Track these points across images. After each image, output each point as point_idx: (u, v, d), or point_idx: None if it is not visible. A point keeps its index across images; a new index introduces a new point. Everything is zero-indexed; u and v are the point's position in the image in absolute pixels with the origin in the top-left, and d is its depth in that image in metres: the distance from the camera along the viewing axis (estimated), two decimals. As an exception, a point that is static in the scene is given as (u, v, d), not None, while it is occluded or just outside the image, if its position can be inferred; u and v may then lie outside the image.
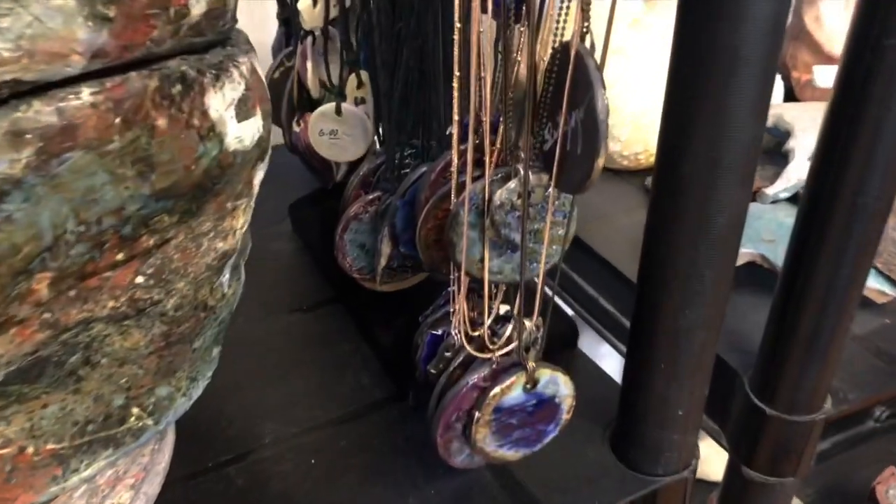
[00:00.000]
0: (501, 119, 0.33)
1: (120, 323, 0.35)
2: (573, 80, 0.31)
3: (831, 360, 0.47)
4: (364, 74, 0.50)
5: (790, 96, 0.82)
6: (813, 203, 0.47)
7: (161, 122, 0.31)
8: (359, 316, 0.61)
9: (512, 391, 0.41)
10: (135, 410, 0.38)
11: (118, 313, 0.34)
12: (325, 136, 0.51)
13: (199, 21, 0.32)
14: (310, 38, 0.51)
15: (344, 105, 0.50)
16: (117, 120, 0.29)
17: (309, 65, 0.51)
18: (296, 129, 0.55)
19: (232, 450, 0.50)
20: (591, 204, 0.69)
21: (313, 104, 0.53)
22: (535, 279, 0.41)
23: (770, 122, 0.66)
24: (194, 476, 0.49)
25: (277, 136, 0.60)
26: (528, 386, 0.41)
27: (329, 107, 0.50)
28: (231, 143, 0.34)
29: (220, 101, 0.33)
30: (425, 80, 0.40)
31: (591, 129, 0.31)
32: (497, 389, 0.41)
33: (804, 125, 0.61)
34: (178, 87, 0.31)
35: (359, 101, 0.51)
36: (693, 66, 0.34)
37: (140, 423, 0.39)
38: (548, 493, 0.47)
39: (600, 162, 0.32)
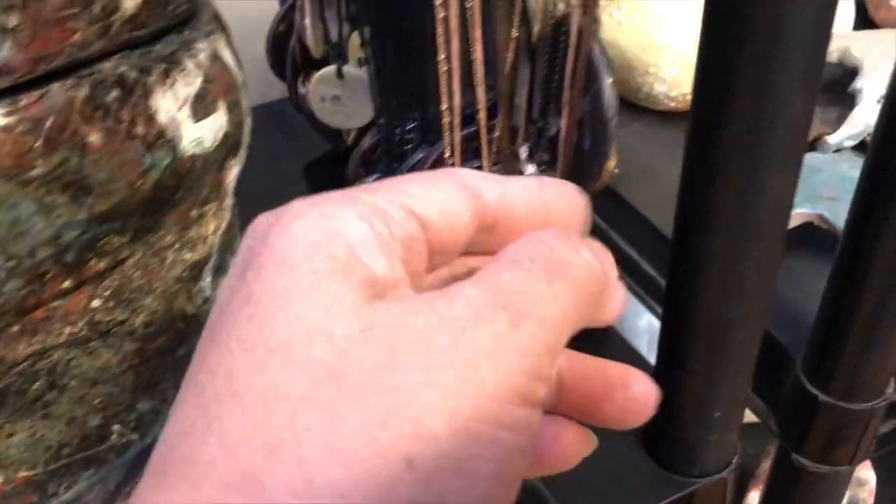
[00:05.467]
0: (481, 107, 0.28)
1: (84, 345, 0.32)
2: (574, 65, 0.26)
3: (897, 339, 0.41)
4: (368, 31, 0.44)
5: (863, 18, 0.73)
6: (881, 154, 0.38)
7: (94, 138, 0.26)
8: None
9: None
10: (115, 428, 0.36)
11: (78, 338, 0.31)
12: (328, 103, 0.46)
13: (136, 13, 0.28)
14: (306, -7, 0.46)
15: (346, 67, 0.45)
16: (38, 142, 0.25)
17: (308, 21, 0.46)
18: (301, 89, 0.50)
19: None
20: (633, 152, 0.63)
21: (317, 63, 0.48)
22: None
23: (834, 56, 0.59)
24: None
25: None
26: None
27: (329, 70, 0.45)
28: (187, 147, 0.30)
29: (171, 101, 0.29)
30: (417, 52, 0.35)
31: (599, 126, 0.26)
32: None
33: (875, 61, 0.54)
34: (115, 93, 0.27)
35: (364, 62, 0.46)
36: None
37: (123, 440, 0.36)
38: (575, 494, 0.43)
39: (611, 164, 0.27)
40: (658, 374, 0.42)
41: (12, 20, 0.23)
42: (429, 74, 0.38)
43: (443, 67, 0.27)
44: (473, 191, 0.19)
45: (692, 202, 0.36)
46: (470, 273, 0.19)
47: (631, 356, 0.51)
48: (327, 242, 0.16)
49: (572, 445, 0.22)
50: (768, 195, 0.32)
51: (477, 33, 0.25)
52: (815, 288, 0.50)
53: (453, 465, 0.15)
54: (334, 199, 0.17)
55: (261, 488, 0.14)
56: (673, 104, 0.66)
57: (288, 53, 0.51)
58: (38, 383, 0.32)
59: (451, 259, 0.20)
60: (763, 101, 0.30)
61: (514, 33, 0.26)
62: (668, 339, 0.40)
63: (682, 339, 0.39)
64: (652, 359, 0.52)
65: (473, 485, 0.15)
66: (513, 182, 0.20)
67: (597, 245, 0.20)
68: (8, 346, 0.29)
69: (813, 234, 0.56)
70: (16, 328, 0.28)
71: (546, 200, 0.21)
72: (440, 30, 0.25)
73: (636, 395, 0.22)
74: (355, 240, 0.16)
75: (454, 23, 0.24)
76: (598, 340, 0.53)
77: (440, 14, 0.24)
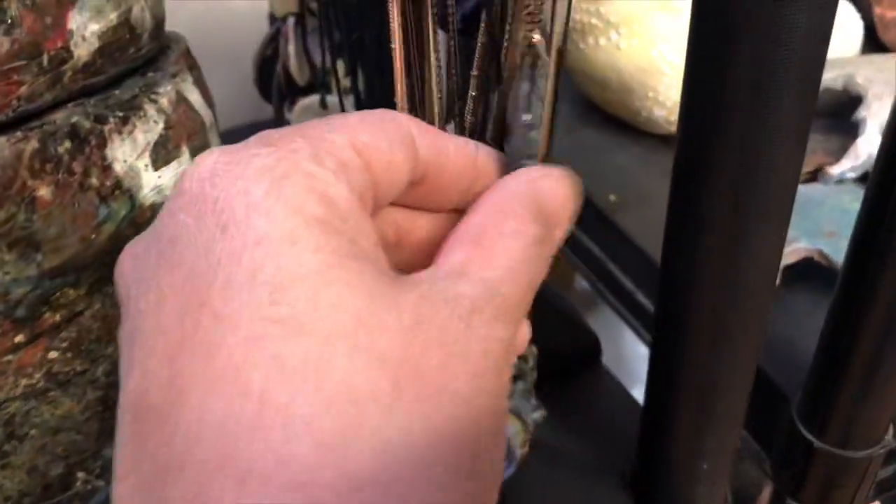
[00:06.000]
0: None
1: (43, 395, 0.31)
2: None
3: (896, 384, 0.40)
4: (350, 61, 0.43)
5: (871, 39, 0.71)
6: (881, 189, 0.36)
7: (44, 192, 0.25)
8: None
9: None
10: (80, 475, 0.35)
11: (36, 389, 0.30)
12: (311, 133, 0.45)
13: (91, 61, 0.26)
14: (291, 20, 0.45)
15: (329, 97, 0.44)
16: (-19, 200, 0.24)
17: (291, 49, 0.45)
18: (287, 114, 0.49)
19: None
20: (632, 177, 0.61)
21: (302, 90, 0.47)
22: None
23: (839, 83, 0.57)
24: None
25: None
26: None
27: (312, 100, 0.44)
28: (147, 196, 0.29)
29: (130, 149, 0.28)
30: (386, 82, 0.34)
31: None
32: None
33: (879, 90, 0.52)
34: (67, 145, 0.26)
35: (347, 91, 0.44)
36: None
37: (88, 486, 0.35)
38: (558, 541, 0.42)
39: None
40: (645, 421, 0.41)
41: (-50, 76, 0.22)
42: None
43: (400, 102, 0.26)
44: (411, 144, 0.19)
45: (676, 253, 0.34)
46: (398, 232, 0.21)
47: (620, 396, 0.49)
48: (327, 215, 0.16)
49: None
50: (754, 251, 0.31)
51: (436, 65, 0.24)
52: (813, 326, 0.48)
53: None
54: (302, 150, 0.16)
55: (308, 478, 0.14)
56: (673, 128, 0.64)
57: (273, 78, 0.50)
58: (-5, 434, 0.31)
59: (382, 209, 0.20)
60: (748, 158, 0.29)
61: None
62: (655, 386, 0.39)
63: (669, 388, 0.38)
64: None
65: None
66: (448, 140, 0.20)
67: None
68: (-42, 403, 0.28)
69: (812, 270, 0.55)
70: (-35, 385, 0.27)
71: (478, 165, 0.21)
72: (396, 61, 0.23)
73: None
74: (345, 209, 0.16)
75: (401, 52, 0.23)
76: (586, 376, 0.52)
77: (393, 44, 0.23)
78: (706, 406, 0.37)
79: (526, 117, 0.24)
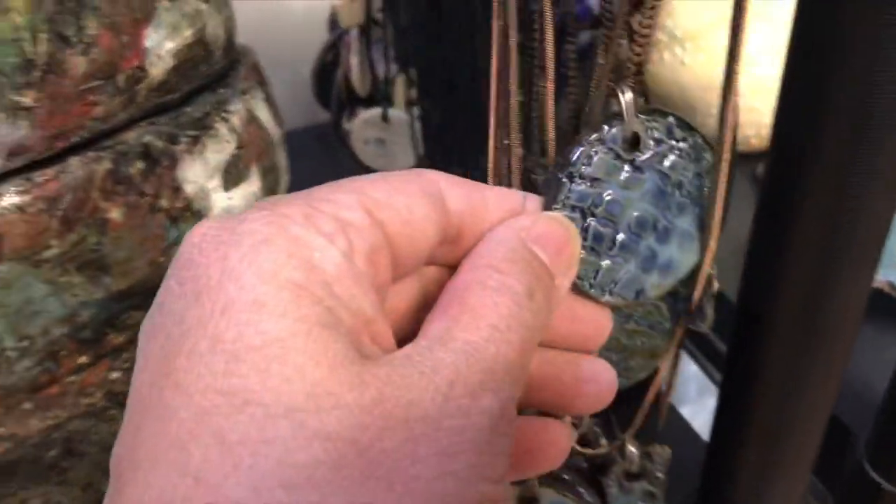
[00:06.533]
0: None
1: (102, 414, 0.30)
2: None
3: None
4: (415, 74, 0.42)
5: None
6: None
7: (115, 215, 0.25)
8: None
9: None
10: (134, 492, 0.34)
11: (96, 408, 0.30)
12: (371, 145, 0.44)
13: (165, 79, 0.26)
14: (355, 30, 0.44)
15: (391, 111, 0.43)
16: (54, 222, 0.24)
17: (354, 60, 0.44)
18: (345, 125, 0.48)
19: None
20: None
21: (362, 100, 0.46)
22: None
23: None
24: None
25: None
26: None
27: (374, 113, 0.43)
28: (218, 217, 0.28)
29: (201, 170, 0.27)
30: (466, 96, 0.33)
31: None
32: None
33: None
34: (139, 165, 0.25)
35: (410, 104, 0.43)
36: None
37: (142, 503, 0.35)
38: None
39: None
40: (710, 461, 0.39)
41: (29, 99, 0.22)
42: (480, 123, 0.36)
43: (493, 116, 0.25)
44: (438, 199, 0.18)
45: (756, 294, 0.33)
46: (440, 287, 0.19)
47: (685, 437, 0.48)
48: (306, 281, 0.15)
49: (561, 443, 0.22)
50: (841, 295, 0.29)
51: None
52: (884, 361, 0.46)
53: None
54: (294, 214, 0.16)
55: None
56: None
57: (333, 86, 0.50)
58: (53, 451, 0.30)
59: (414, 269, 0.19)
60: (842, 199, 0.27)
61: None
62: (723, 425, 0.37)
63: (738, 429, 0.36)
64: (700, 408, 0.49)
65: None
66: (487, 192, 0.19)
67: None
68: (20, 423, 0.27)
69: (883, 302, 0.53)
70: (28, 405, 0.27)
71: (521, 216, 0.20)
72: (493, 79, 0.22)
73: (605, 387, 0.22)
74: (332, 274, 0.15)
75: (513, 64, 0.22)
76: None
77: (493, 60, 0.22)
78: (776, 450, 0.35)
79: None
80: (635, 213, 0.24)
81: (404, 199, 0.17)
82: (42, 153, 0.23)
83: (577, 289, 0.22)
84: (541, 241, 0.19)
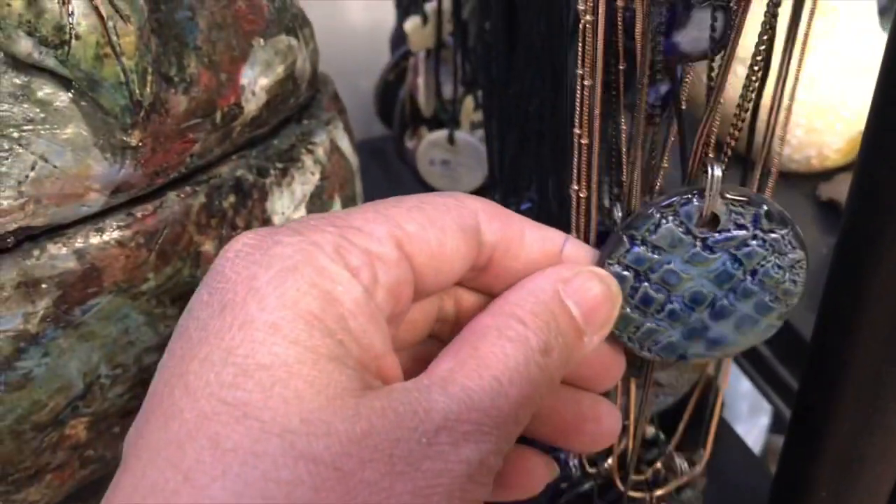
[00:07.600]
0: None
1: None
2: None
3: None
4: (482, 96, 0.42)
5: None
6: None
7: (208, 247, 0.25)
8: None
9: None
10: None
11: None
12: (437, 167, 0.44)
13: (258, 114, 0.26)
14: (422, 52, 0.44)
15: (457, 132, 0.43)
16: (151, 256, 0.24)
17: (420, 80, 0.44)
18: (407, 143, 0.49)
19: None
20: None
21: (426, 120, 0.47)
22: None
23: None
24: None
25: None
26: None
27: (440, 135, 0.44)
28: (300, 248, 0.28)
29: (288, 201, 0.28)
30: (543, 135, 0.33)
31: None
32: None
33: None
34: (232, 199, 0.26)
35: (475, 126, 0.44)
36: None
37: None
38: None
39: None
40: (777, 492, 0.39)
41: (135, 138, 0.22)
42: (556, 149, 0.36)
43: (578, 142, 0.25)
44: (473, 232, 0.19)
45: (833, 327, 0.33)
46: (457, 304, 0.20)
47: (741, 451, 0.48)
48: (323, 313, 0.16)
49: (537, 474, 0.22)
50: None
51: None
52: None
53: None
54: (325, 244, 0.17)
55: None
56: (794, 166, 0.62)
57: (396, 104, 0.50)
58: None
59: (436, 294, 0.19)
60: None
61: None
62: (793, 459, 0.37)
63: (809, 464, 0.36)
64: (751, 426, 0.48)
65: None
66: (525, 227, 0.20)
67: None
68: (109, 446, 0.28)
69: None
70: (118, 428, 0.27)
71: (564, 258, 0.20)
72: (580, 99, 0.22)
73: (606, 430, 0.22)
74: (350, 309, 0.16)
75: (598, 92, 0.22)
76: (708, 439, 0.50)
77: (584, 81, 0.22)
78: (849, 486, 0.35)
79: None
80: (693, 288, 0.23)
81: (437, 234, 0.18)
82: (143, 190, 0.23)
83: (611, 336, 0.21)
84: (576, 296, 0.19)
